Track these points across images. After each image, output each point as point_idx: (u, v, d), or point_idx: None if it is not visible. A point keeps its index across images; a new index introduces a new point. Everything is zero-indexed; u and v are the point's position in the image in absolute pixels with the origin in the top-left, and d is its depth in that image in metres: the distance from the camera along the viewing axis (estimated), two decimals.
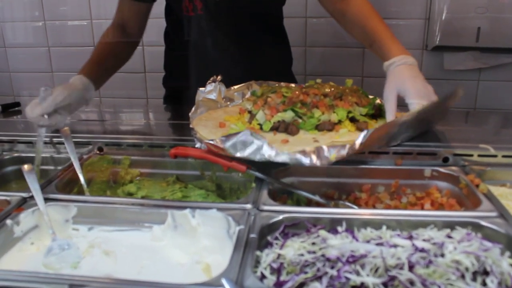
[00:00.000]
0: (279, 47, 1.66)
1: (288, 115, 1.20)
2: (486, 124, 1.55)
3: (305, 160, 1.00)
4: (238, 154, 1.03)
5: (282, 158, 1.01)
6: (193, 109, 1.32)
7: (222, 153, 1.06)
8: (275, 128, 1.21)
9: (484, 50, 2.24)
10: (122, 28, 1.58)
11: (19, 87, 2.83)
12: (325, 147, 1.01)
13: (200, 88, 1.38)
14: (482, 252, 0.74)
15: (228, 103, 1.45)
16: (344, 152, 1.00)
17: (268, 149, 1.01)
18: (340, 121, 1.20)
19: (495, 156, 1.14)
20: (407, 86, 1.19)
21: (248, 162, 1.06)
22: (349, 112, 1.21)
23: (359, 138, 0.99)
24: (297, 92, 1.25)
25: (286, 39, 1.73)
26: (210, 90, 1.40)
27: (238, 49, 1.35)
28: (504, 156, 1.14)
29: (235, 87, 1.47)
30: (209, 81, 1.40)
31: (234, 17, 1.48)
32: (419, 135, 1.23)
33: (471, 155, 1.15)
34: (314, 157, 1.00)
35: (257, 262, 0.79)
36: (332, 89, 1.28)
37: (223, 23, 1.49)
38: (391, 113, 1.19)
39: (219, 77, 1.40)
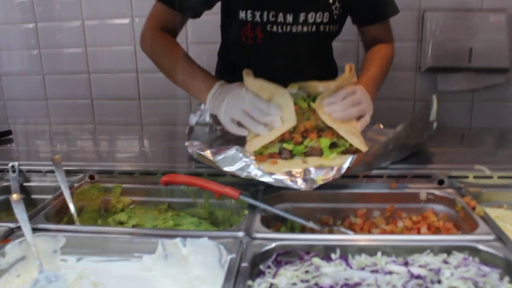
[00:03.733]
0: (330, 78, 1.67)
1: (296, 150, 1.18)
2: (481, 145, 1.55)
3: (290, 183, 1.00)
4: (226, 168, 1.06)
5: (267, 179, 1.02)
6: (186, 131, 1.36)
7: (212, 166, 1.09)
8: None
9: (477, 70, 2.26)
10: (163, 30, 1.50)
11: (13, 115, 2.82)
12: (312, 169, 1.01)
13: (191, 114, 1.38)
14: (480, 277, 0.72)
15: None
16: (331, 174, 1.00)
17: (255, 168, 1.02)
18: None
19: (490, 177, 1.13)
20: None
21: (240, 187, 1.05)
22: (333, 142, 1.19)
23: (346, 162, 0.99)
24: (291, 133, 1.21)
25: (336, 70, 1.73)
26: (201, 114, 1.41)
27: (291, 77, 1.37)
28: (500, 177, 1.13)
29: None
30: (200, 103, 1.40)
31: (291, 49, 1.50)
32: (411, 156, 1.22)
33: (467, 177, 1.14)
34: (299, 180, 1.00)
35: None
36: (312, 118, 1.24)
37: (280, 53, 1.51)
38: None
39: None
